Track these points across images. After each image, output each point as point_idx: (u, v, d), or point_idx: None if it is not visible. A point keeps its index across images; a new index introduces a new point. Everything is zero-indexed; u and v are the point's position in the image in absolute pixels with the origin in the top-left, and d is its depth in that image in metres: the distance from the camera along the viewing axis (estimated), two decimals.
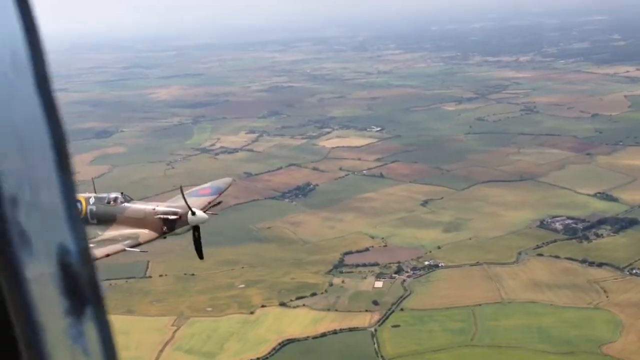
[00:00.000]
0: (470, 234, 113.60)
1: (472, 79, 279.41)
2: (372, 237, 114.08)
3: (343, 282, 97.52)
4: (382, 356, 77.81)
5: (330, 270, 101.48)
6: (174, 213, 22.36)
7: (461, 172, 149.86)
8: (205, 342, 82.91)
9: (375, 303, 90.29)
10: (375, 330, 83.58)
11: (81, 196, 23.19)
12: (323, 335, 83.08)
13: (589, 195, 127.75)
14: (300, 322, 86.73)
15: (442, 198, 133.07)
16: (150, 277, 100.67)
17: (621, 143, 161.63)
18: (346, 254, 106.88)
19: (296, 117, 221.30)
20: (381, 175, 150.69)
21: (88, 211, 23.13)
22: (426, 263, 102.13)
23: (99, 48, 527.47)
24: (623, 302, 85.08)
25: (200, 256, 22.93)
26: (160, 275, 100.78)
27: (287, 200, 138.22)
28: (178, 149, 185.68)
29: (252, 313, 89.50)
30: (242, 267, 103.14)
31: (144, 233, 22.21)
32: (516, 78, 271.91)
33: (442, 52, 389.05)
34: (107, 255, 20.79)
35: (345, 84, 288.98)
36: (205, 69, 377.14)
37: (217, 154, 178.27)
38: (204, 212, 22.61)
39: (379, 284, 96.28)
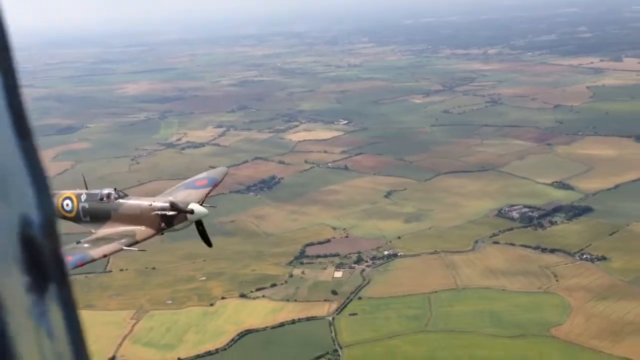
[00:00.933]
0: (430, 224, 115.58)
1: (440, 72, 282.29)
2: (334, 229, 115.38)
3: (303, 273, 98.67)
4: (338, 344, 79.15)
5: (291, 262, 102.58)
6: (172, 209, 21.35)
7: (425, 164, 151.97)
8: (164, 335, 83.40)
9: (334, 293, 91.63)
10: (333, 319, 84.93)
11: (72, 193, 22.62)
12: (281, 325, 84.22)
13: (546, 184, 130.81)
14: (260, 312, 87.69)
15: (405, 189, 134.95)
16: (110, 271, 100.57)
17: (580, 133, 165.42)
18: (307, 245, 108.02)
19: (265, 111, 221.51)
20: (346, 168, 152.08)
21: (80, 208, 22.25)
22: (385, 253, 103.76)
23: (67, 44, 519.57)
24: (572, 286, 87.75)
25: (209, 244, 22.47)
26: (121, 270, 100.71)
27: (252, 193, 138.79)
28: (144, 144, 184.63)
29: (212, 305, 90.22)
30: (204, 260, 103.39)
31: (141, 230, 21.23)
32: (483, 70, 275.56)
33: (413, 45, 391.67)
34: (105, 256, 20.15)
35: (315, 78, 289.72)
36: (176, 63, 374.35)
37: (183, 148, 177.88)
38: (201, 204, 21.51)
39: (338, 274, 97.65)
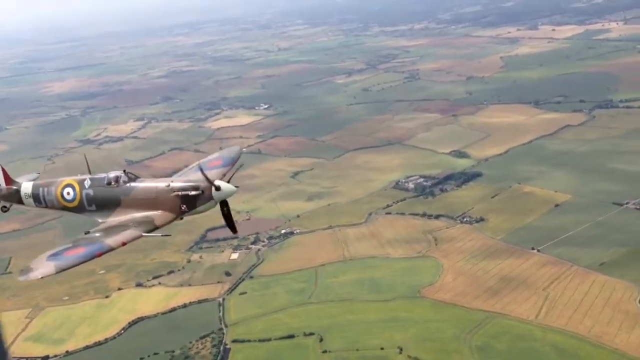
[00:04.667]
0: (331, 201, 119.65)
1: (366, 50, 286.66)
2: (238, 212, 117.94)
3: (201, 257, 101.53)
4: (224, 323, 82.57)
5: (191, 247, 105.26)
6: (195, 188, 18.88)
7: (336, 142, 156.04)
8: (57, 330, 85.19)
9: (228, 274, 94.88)
10: (223, 299, 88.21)
11: (73, 180, 20.32)
12: (172, 310, 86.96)
13: (445, 153, 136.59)
14: (153, 300, 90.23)
15: (312, 169, 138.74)
16: (10, 272, 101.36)
17: (485, 102, 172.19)
18: (209, 230, 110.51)
19: (189, 102, 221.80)
20: (259, 152, 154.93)
21: (84, 196, 19.82)
22: (282, 232, 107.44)
23: None
24: (448, 249, 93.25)
25: (234, 231, 20.27)
26: (22, 270, 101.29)
27: None
28: (63, 142, 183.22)
29: (107, 297, 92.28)
30: None
31: (159, 215, 18.86)
32: (407, 46, 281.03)
33: (345, 24, 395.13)
34: (124, 244, 17.85)
35: (244, 64, 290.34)
36: (106, 58, 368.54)
37: (100, 144, 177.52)
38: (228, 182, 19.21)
39: (235, 256, 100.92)
